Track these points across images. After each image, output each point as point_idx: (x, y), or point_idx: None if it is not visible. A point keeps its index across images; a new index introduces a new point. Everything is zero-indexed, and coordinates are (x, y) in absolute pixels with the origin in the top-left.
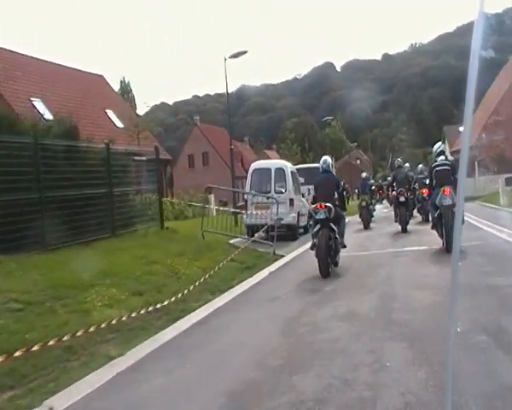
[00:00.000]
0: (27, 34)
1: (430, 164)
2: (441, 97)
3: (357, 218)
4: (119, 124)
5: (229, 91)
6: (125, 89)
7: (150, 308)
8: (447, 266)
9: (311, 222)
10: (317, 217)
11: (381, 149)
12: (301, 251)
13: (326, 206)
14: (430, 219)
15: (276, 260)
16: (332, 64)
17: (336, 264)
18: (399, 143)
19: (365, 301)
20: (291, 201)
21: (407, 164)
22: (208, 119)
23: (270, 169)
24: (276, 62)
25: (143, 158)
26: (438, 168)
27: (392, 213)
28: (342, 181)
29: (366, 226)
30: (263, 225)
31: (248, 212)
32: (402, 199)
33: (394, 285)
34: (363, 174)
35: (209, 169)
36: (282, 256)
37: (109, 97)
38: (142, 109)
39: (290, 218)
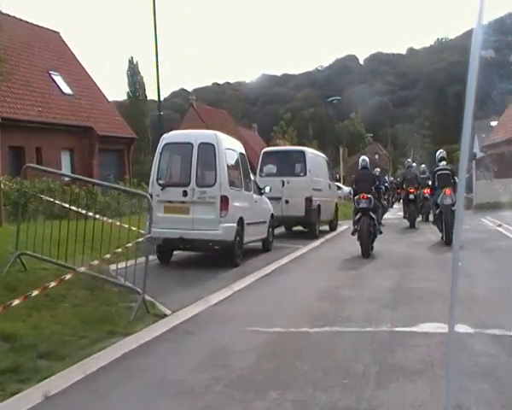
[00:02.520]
0: None
1: (433, 168)
2: (491, 76)
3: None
4: (67, 90)
5: (250, 80)
6: (134, 70)
7: None
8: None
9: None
10: (360, 206)
11: (402, 146)
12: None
13: (368, 197)
14: (431, 216)
15: None
16: (355, 56)
17: (372, 248)
18: (422, 140)
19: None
20: (223, 200)
21: (423, 165)
22: (227, 106)
23: (190, 145)
24: (297, 53)
25: None
26: (440, 172)
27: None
28: (386, 176)
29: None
30: (181, 240)
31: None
32: (411, 197)
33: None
34: (377, 170)
35: None
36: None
37: (62, 58)
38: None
39: (221, 230)
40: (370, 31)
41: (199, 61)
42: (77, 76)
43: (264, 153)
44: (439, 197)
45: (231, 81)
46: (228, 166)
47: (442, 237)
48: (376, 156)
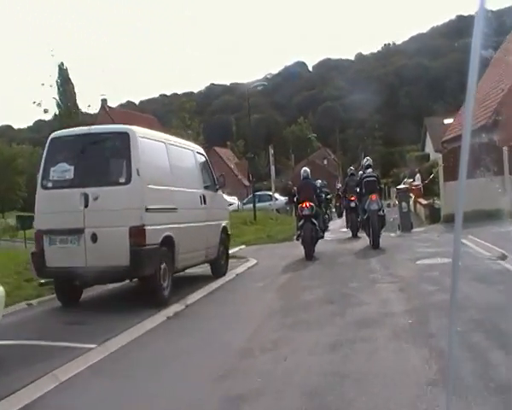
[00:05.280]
0: None
1: (354, 173)
2: (418, 93)
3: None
4: None
5: (197, 90)
6: (64, 76)
7: None
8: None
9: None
10: (303, 213)
11: (353, 150)
12: None
13: (310, 205)
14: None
15: None
16: (304, 63)
17: (314, 250)
18: (374, 142)
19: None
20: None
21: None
22: (174, 117)
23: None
24: (245, 61)
25: None
26: (366, 179)
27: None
28: (323, 182)
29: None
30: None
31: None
32: (353, 205)
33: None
34: (318, 182)
35: None
36: None
37: None
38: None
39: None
40: (319, 37)
41: (146, 72)
42: None
43: (52, 141)
44: (366, 203)
45: (179, 92)
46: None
47: (370, 242)
48: (325, 162)
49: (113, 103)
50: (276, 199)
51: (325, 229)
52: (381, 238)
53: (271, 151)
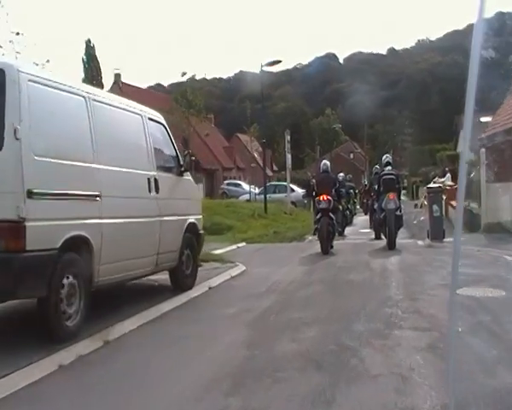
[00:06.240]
0: None
1: (379, 172)
2: (452, 91)
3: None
4: None
5: (226, 76)
6: (91, 54)
7: None
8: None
9: None
10: (320, 206)
11: (381, 146)
12: None
13: (328, 199)
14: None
15: None
16: (334, 55)
17: (332, 246)
18: (404, 139)
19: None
20: None
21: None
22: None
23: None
24: (276, 50)
25: None
26: (385, 177)
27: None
28: (348, 175)
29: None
30: None
31: None
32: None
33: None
34: (340, 175)
35: None
36: None
37: None
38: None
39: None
40: (351, 30)
41: (176, 56)
42: None
43: None
44: (384, 202)
45: (208, 77)
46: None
47: (387, 243)
48: (351, 155)
49: (142, 85)
50: (293, 190)
51: (346, 224)
52: (407, 247)
53: (288, 138)
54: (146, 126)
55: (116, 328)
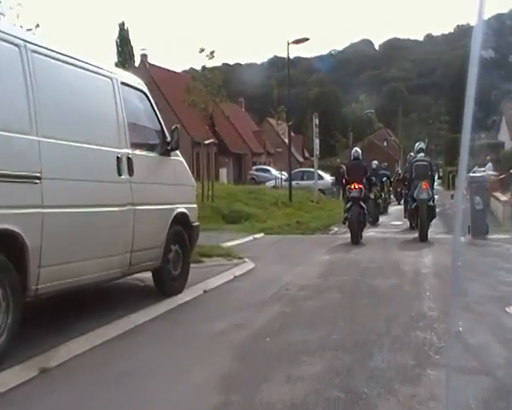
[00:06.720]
0: None
1: (410, 159)
2: (492, 77)
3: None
4: None
5: (260, 62)
6: (124, 37)
7: None
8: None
9: None
10: (351, 195)
11: (416, 134)
12: None
13: (359, 187)
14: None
15: None
16: (370, 41)
17: (361, 236)
18: (440, 127)
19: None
20: None
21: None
22: (235, 89)
23: None
24: (311, 35)
25: None
26: (417, 163)
27: None
28: (383, 164)
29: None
30: None
31: None
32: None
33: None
34: (374, 163)
35: None
36: None
37: None
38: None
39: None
40: (387, 16)
41: (209, 40)
42: None
43: None
44: (416, 191)
45: (242, 62)
46: None
47: (419, 234)
48: (385, 143)
49: (177, 69)
50: (322, 177)
51: (379, 213)
52: (443, 243)
53: (316, 121)
54: (117, 92)
55: (61, 350)
